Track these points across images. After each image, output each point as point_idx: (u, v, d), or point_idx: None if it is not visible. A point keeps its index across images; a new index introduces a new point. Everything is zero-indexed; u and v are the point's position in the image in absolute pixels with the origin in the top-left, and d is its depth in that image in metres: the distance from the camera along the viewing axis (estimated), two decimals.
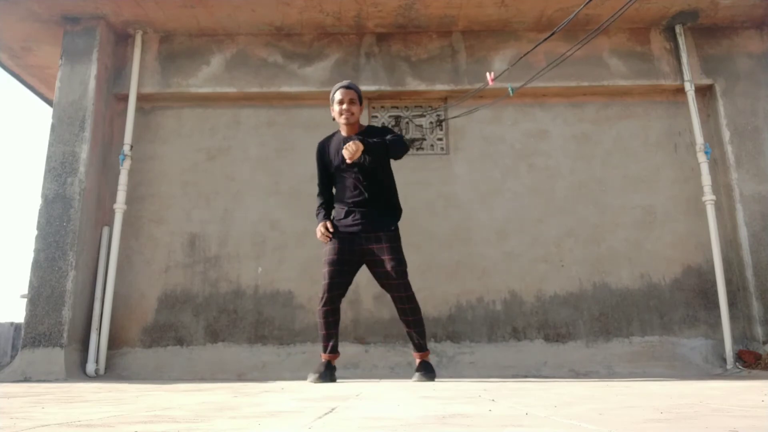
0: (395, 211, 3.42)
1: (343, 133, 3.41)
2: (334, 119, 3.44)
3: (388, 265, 3.22)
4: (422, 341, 3.29)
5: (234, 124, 4.88)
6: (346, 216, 3.31)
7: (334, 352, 3.26)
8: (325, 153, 3.45)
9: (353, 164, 3.26)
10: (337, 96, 3.35)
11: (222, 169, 4.77)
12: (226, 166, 4.78)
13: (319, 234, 3.33)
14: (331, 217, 3.40)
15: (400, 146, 3.28)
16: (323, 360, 3.25)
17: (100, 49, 4.62)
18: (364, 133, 3.35)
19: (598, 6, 4.48)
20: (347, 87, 3.37)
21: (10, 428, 1.22)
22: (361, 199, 3.30)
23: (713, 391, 2.22)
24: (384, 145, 3.21)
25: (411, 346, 3.39)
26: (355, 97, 3.36)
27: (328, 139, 3.48)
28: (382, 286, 3.31)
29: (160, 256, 4.60)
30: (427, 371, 3.26)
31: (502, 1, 4.48)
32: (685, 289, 4.47)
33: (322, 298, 3.23)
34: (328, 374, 3.19)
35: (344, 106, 3.32)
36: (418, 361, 3.33)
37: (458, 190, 4.70)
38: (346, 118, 3.32)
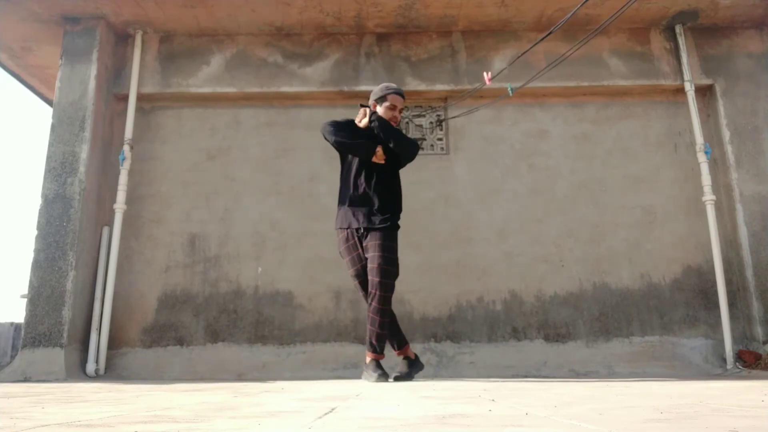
0: (396, 213, 3.41)
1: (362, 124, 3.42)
2: (364, 105, 3.47)
3: (377, 261, 3.20)
4: (379, 343, 3.24)
5: (234, 124, 4.88)
6: (349, 213, 3.33)
7: (403, 346, 3.36)
8: (353, 131, 3.40)
9: (368, 162, 3.33)
10: (390, 100, 3.40)
11: (222, 169, 4.77)
12: (226, 166, 4.78)
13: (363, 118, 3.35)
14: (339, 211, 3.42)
15: (408, 145, 3.40)
16: (404, 356, 3.36)
17: (100, 49, 4.62)
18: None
19: (597, 6, 4.48)
20: (401, 95, 3.44)
21: (10, 428, 1.22)
22: (366, 198, 3.31)
23: (713, 391, 2.22)
24: (399, 140, 3.34)
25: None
26: (402, 107, 3.47)
27: (352, 122, 3.45)
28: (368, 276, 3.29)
29: (160, 256, 4.60)
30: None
31: (502, 1, 4.48)
32: (685, 289, 4.47)
33: (370, 305, 3.22)
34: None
35: (395, 113, 3.41)
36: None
37: (458, 190, 4.70)
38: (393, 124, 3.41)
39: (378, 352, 3.22)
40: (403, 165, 3.47)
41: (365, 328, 3.40)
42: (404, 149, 3.37)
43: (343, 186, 3.42)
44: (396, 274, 3.28)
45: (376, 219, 3.27)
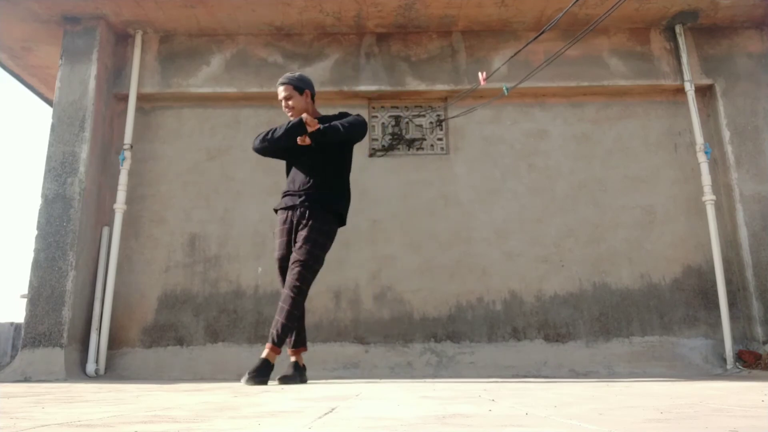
0: (337, 202, 3.22)
1: None
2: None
3: (301, 252, 3.01)
4: (282, 335, 2.96)
5: (234, 124, 4.89)
6: (288, 199, 3.21)
7: (298, 347, 3.15)
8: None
9: (304, 153, 3.19)
10: (278, 95, 3.31)
11: (222, 169, 4.77)
12: (226, 166, 4.78)
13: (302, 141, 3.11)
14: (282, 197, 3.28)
15: (350, 127, 3.20)
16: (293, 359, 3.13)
17: (100, 49, 4.62)
18: (321, 119, 3.30)
19: (598, 6, 4.49)
20: (281, 83, 3.30)
21: (10, 428, 1.22)
22: (308, 186, 3.17)
23: (713, 391, 2.22)
24: (334, 130, 3.15)
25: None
26: (291, 90, 3.26)
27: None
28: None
29: (160, 256, 4.60)
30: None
31: (502, 1, 4.48)
32: (685, 289, 4.47)
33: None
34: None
35: (282, 104, 3.30)
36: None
37: (458, 190, 4.70)
38: (291, 115, 3.28)
39: (276, 344, 2.94)
40: (354, 142, 3.35)
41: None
42: (351, 136, 3.24)
43: (286, 180, 3.32)
44: (316, 270, 3.05)
45: (315, 205, 3.12)
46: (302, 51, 4.89)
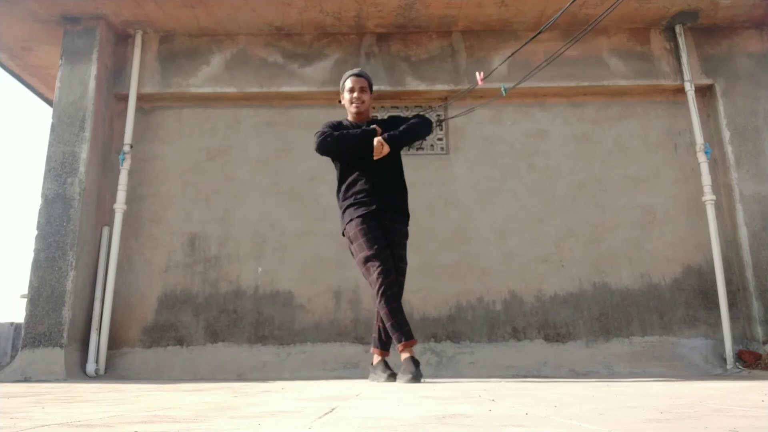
0: (408, 213, 3.32)
1: (350, 118, 3.34)
2: (339, 102, 3.41)
3: (400, 260, 3.16)
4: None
5: (234, 124, 4.89)
6: (367, 201, 3.14)
7: (411, 337, 2.98)
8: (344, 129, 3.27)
9: (371, 158, 3.19)
10: (348, 84, 3.30)
11: (222, 169, 4.77)
12: (226, 166, 4.78)
13: (377, 144, 3.12)
14: (347, 206, 3.20)
15: (418, 128, 3.29)
16: (408, 355, 2.92)
17: (100, 49, 4.62)
18: (375, 124, 3.29)
19: (598, 6, 4.49)
20: (358, 75, 3.31)
21: (10, 428, 1.22)
22: (379, 191, 3.16)
23: (713, 391, 2.22)
24: (406, 134, 3.23)
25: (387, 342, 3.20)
26: (366, 85, 3.30)
27: (340, 123, 3.31)
28: None
29: (160, 256, 4.61)
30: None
31: (502, 1, 4.48)
32: (685, 289, 4.47)
33: (381, 286, 2.94)
34: (418, 366, 2.90)
35: (355, 94, 3.26)
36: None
37: (458, 190, 4.70)
38: (357, 107, 3.26)
39: (387, 349, 3.20)
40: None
41: (372, 325, 3.30)
42: (422, 135, 3.35)
43: (350, 183, 3.20)
44: None
45: (401, 215, 3.23)
46: (302, 51, 4.89)
